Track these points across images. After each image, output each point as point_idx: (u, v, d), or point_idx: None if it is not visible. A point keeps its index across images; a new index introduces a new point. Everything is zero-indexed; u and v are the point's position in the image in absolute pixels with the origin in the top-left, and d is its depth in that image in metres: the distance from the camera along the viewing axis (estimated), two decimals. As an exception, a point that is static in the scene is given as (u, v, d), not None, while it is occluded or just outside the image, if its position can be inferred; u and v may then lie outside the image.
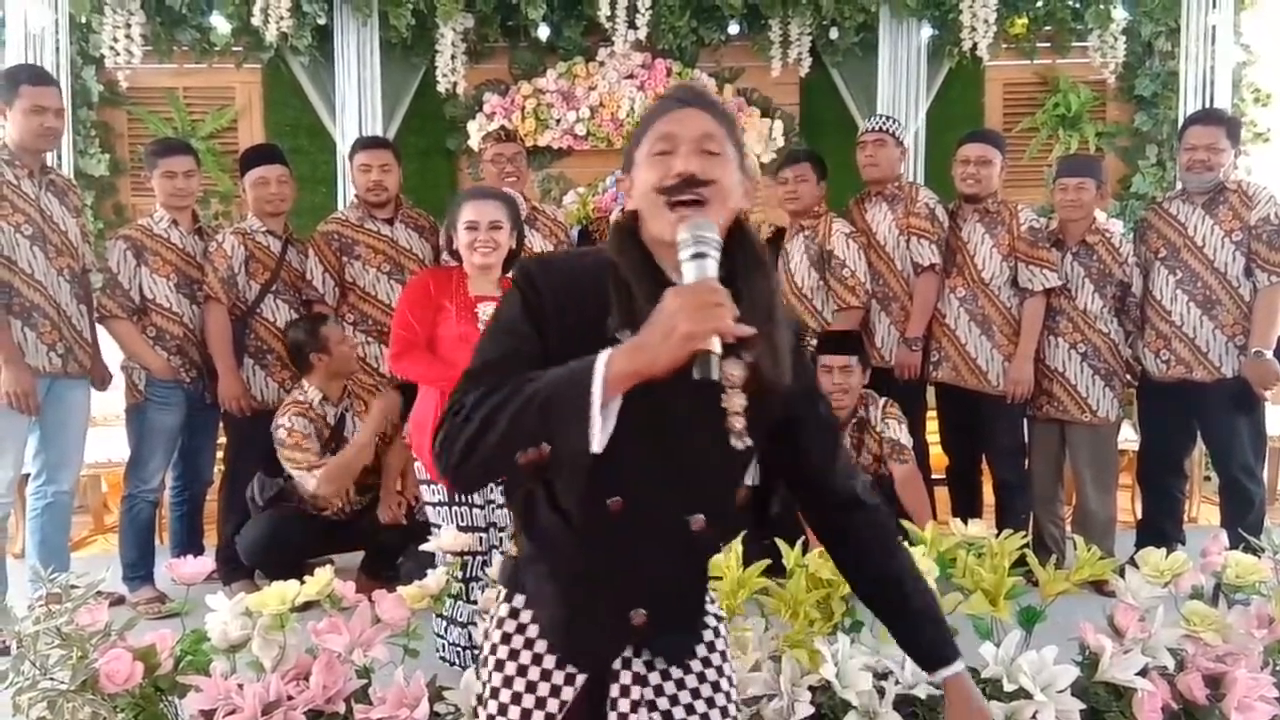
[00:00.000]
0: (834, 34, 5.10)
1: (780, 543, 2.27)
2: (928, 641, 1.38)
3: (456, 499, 2.84)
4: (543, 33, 5.14)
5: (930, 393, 3.98)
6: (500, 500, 2.85)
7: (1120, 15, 5.02)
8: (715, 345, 1.07)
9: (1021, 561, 2.28)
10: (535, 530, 1.29)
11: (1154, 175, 5.23)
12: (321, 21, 4.94)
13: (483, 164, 3.97)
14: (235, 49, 5.08)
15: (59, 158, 4.69)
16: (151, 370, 3.54)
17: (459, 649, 2.86)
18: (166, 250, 3.59)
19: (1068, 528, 3.88)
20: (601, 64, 5.21)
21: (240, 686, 1.98)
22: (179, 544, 3.73)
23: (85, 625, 2.03)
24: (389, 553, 3.64)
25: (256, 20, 4.76)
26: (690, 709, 1.31)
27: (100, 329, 3.56)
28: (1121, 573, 2.34)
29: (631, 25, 4.91)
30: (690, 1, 5.08)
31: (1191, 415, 3.67)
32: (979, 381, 3.74)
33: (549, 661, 1.28)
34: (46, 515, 3.36)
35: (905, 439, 3.59)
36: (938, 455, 4.04)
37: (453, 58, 4.98)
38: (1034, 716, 2.00)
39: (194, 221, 3.75)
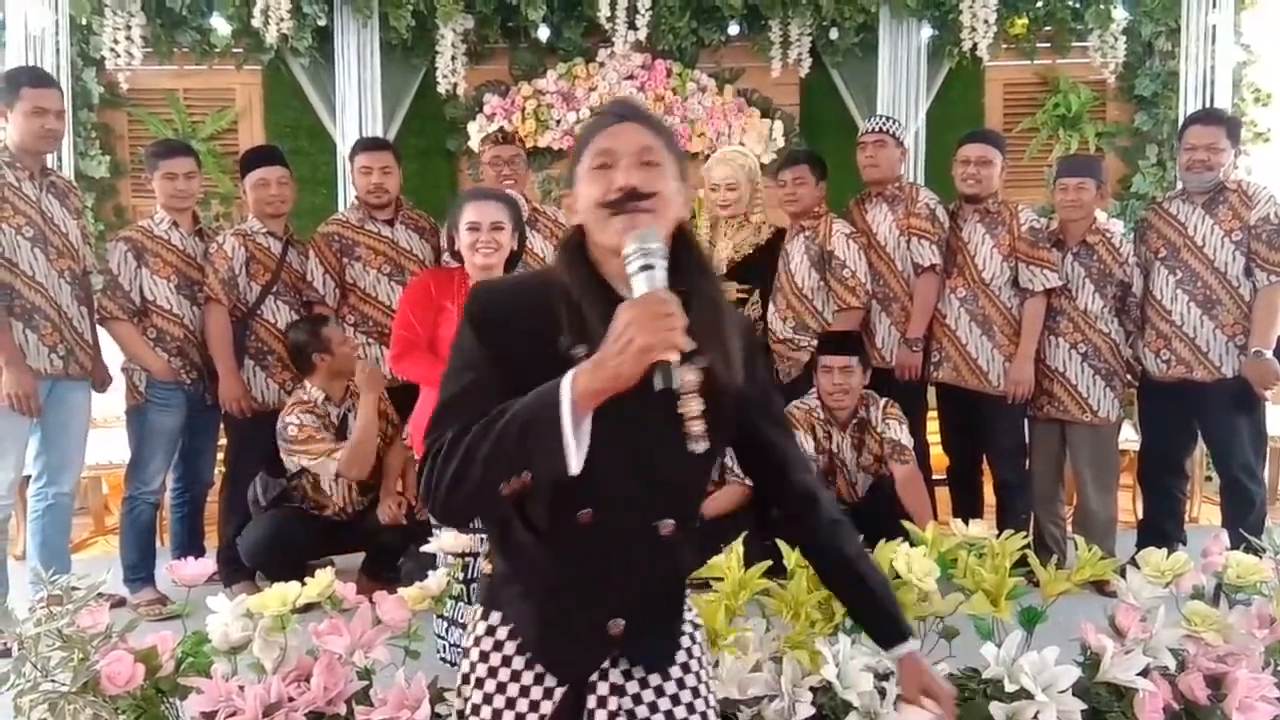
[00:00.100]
0: (834, 34, 5.10)
1: (781, 544, 2.27)
2: (886, 619, 1.45)
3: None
4: (543, 34, 5.15)
5: (931, 393, 3.98)
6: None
7: (1120, 15, 5.02)
8: (673, 355, 1.10)
9: (1022, 562, 2.28)
10: (509, 548, 1.32)
11: (1154, 175, 5.23)
12: (322, 23, 4.94)
13: (482, 166, 3.97)
14: (235, 50, 5.08)
15: (59, 159, 4.69)
16: (152, 372, 3.54)
17: (460, 650, 2.85)
18: (167, 252, 3.60)
19: (1069, 528, 3.88)
20: (601, 65, 5.22)
21: (241, 688, 1.98)
22: (179, 546, 3.73)
23: (86, 627, 2.03)
24: (389, 553, 3.64)
25: (257, 22, 4.77)
26: (669, 716, 1.32)
27: (101, 330, 3.56)
28: (1122, 573, 2.34)
29: (631, 26, 4.91)
30: (690, 2, 5.08)
31: (1192, 415, 3.67)
32: (979, 382, 3.74)
33: (527, 677, 1.30)
34: (47, 517, 3.37)
35: (906, 439, 3.60)
36: (938, 456, 4.04)
37: (453, 59, 4.99)
38: (1035, 717, 2.00)
39: (194, 223, 3.75)
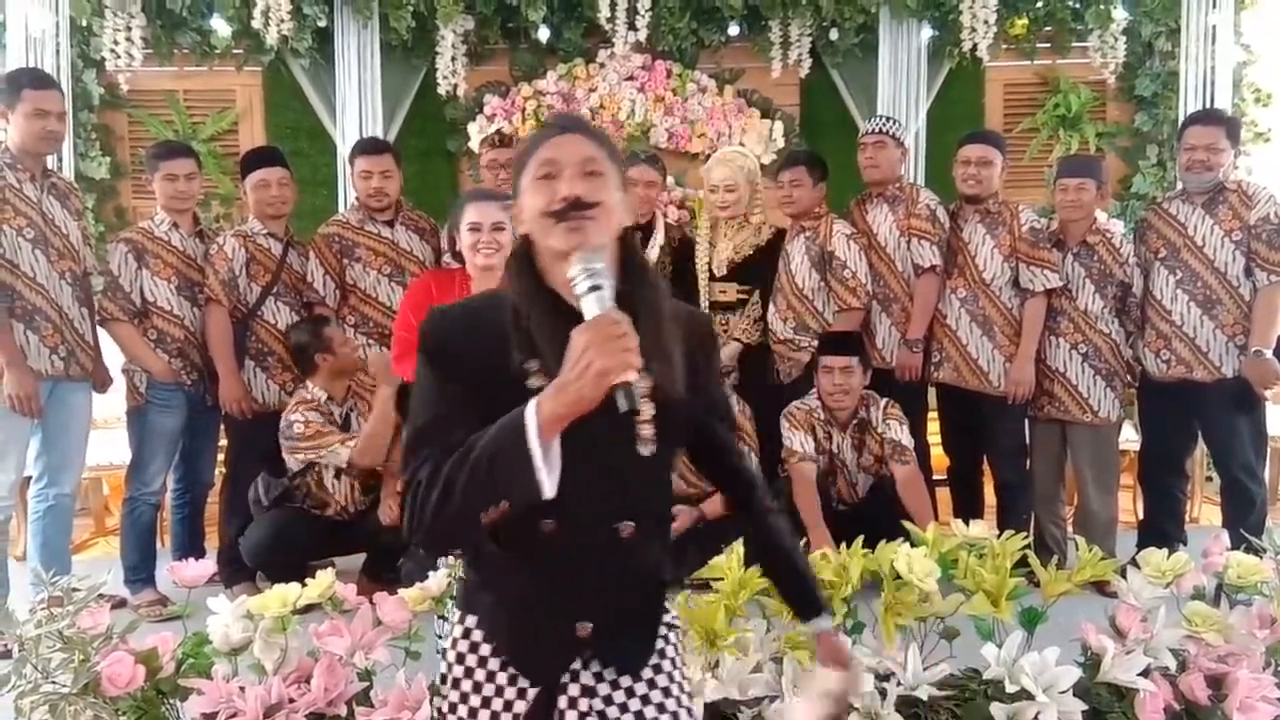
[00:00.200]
0: (834, 35, 5.09)
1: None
2: (810, 595, 1.52)
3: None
4: (543, 34, 5.14)
5: (931, 394, 3.98)
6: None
7: (1120, 15, 5.02)
8: (630, 375, 1.13)
9: (1023, 562, 2.27)
10: (479, 559, 1.36)
11: (1154, 175, 5.22)
12: (322, 24, 4.93)
13: (480, 168, 3.97)
14: (236, 51, 5.08)
15: (60, 161, 4.69)
16: (152, 373, 3.55)
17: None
18: (167, 253, 3.60)
19: (1069, 528, 3.87)
20: (602, 66, 5.21)
21: (242, 689, 1.99)
22: (180, 547, 3.73)
23: (87, 628, 2.03)
24: (390, 554, 3.63)
25: (257, 23, 4.77)
26: (639, 716, 1.34)
27: (101, 332, 3.57)
28: (1123, 573, 2.34)
29: (632, 27, 4.91)
30: (690, 3, 5.08)
31: (1192, 415, 3.67)
32: (980, 382, 3.74)
33: (502, 678, 1.34)
34: (48, 518, 3.37)
35: (906, 440, 3.60)
36: (939, 456, 4.04)
37: (453, 59, 4.98)
38: (1036, 718, 2.00)
39: (195, 224, 3.75)
